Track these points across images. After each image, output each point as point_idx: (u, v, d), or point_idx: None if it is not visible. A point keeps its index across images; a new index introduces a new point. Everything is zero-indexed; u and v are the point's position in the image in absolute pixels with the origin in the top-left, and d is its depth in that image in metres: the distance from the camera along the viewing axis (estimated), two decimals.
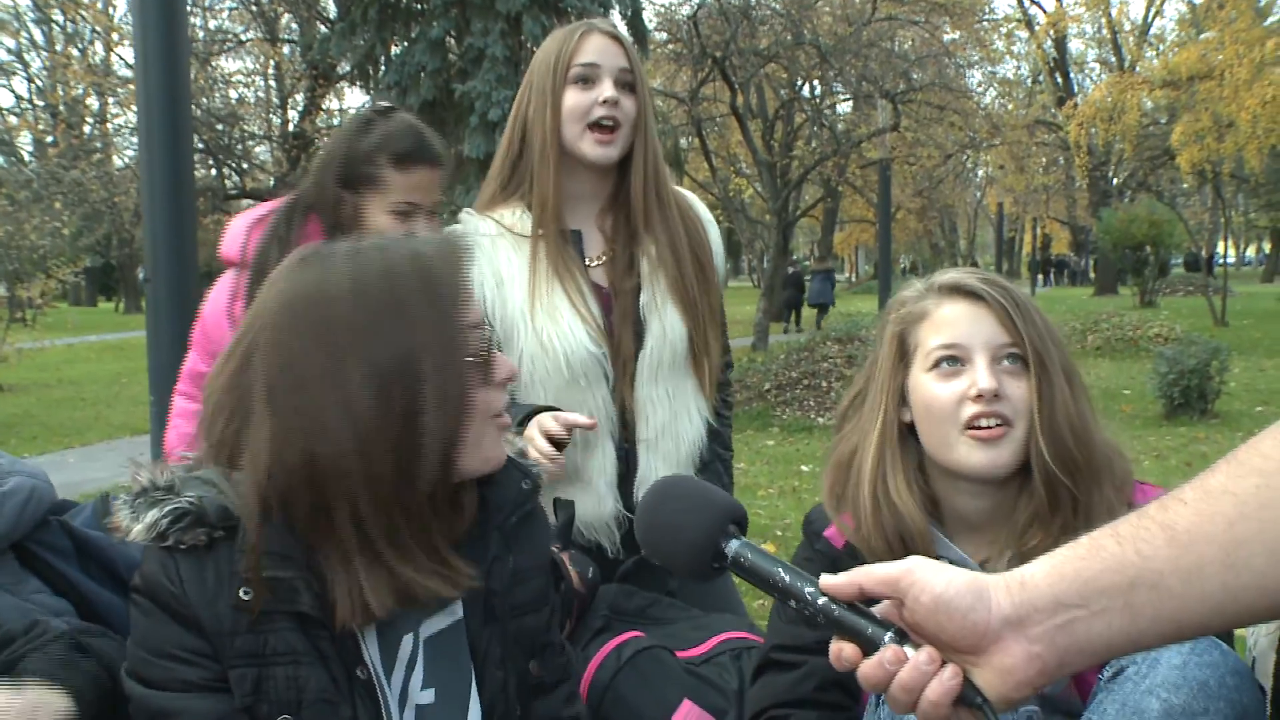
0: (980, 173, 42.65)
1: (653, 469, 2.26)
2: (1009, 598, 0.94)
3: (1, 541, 1.59)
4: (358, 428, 1.28)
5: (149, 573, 1.32)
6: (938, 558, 1.61)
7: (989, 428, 1.57)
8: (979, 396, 1.57)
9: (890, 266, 19.61)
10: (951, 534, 1.66)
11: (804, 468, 9.13)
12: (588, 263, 2.29)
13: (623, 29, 13.93)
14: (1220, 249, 38.99)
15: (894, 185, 24.46)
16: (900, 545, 1.61)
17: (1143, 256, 23.73)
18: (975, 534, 1.66)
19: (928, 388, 1.63)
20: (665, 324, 2.25)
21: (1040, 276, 47.58)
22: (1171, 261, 28.84)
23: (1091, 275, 41.92)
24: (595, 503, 2.22)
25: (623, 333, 2.24)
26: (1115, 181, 36.14)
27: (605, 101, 2.19)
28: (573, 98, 2.21)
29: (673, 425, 2.28)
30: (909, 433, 1.68)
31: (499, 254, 2.25)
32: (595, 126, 2.20)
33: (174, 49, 3.89)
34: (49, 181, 17.24)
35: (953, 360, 1.61)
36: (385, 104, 2.40)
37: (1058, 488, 1.57)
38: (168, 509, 1.31)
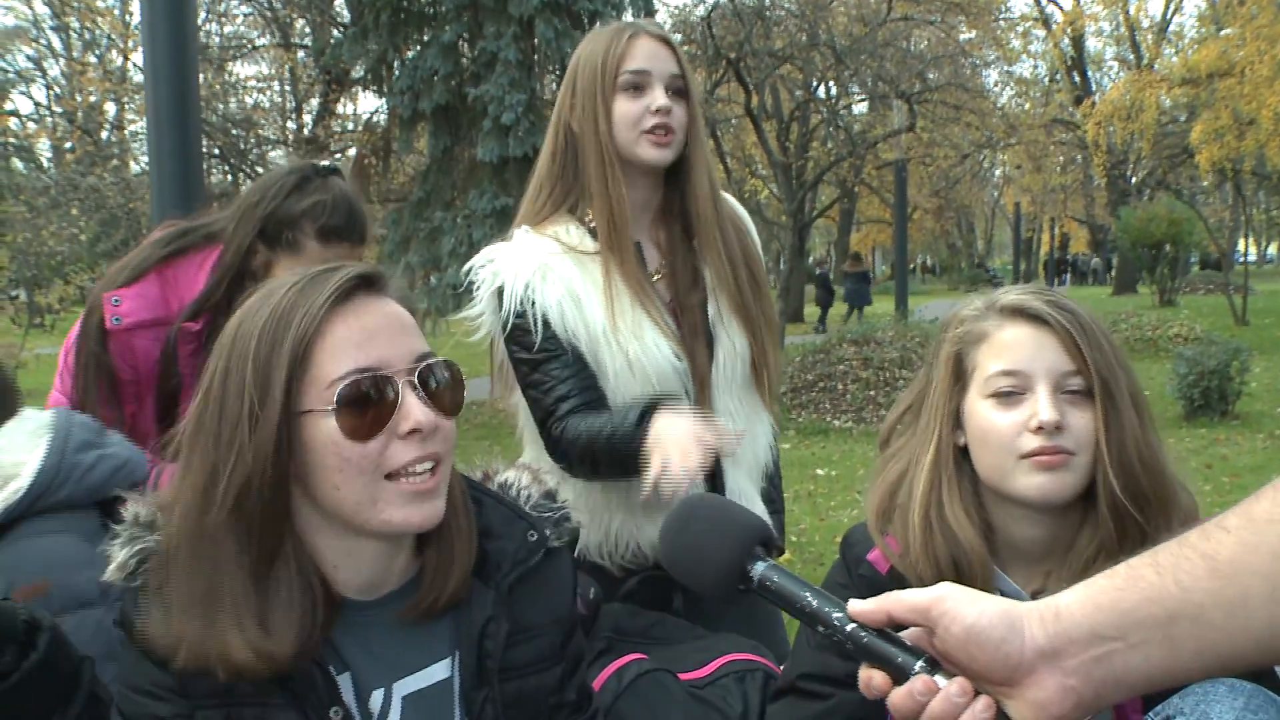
0: (997, 172, 42.51)
1: (738, 483, 2.21)
2: (1043, 629, 0.91)
3: (90, 495, 1.77)
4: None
5: (124, 610, 1.32)
6: (995, 589, 1.55)
7: (1050, 456, 1.50)
8: (1040, 429, 1.50)
9: (906, 267, 19.50)
10: (1004, 563, 1.59)
11: (820, 471, 9.08)
12: (651, 272, 2.21)
13: None
14: (1241, 246, 38.70)
15: (910, 186, 24.38)
16: (953, 572, 1.54)
17: (1162, 255, 23.57)
18: (1029, 565, 1.59)
19: (985, 415, 1.56)
20: (732, 338, 2.19)
21: (1058, 276, 47.43)
22: (1190, 260, 28.61)
23: (1109, 274, 41.62)
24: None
25: (695, 348, 2.17)
26: (1134, 180, 35.89)
27: (658, 110, 2.09)
28: (623, 105, 2.11)
29: (750, 437, 2.22)
30: (963, 456, 1.61)
31: (565, 270, 2.12)
32: (648, 131, 2.11)
33: (182, 56, 3.88)
34: (66, 188, 17.33)
35: (1012, 388, 1.54)
36: (326, 164, 2.37)
37: (1126, 521, 1.49)
38: (136, 549, 1.32)
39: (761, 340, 2.23)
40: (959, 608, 0.94)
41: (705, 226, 2.18)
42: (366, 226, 2.29)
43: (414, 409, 1.28)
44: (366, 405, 1.26)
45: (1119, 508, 1.49)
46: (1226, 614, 0.85)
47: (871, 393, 11.70)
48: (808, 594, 1.03)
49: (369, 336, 1.28)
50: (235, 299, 2.10)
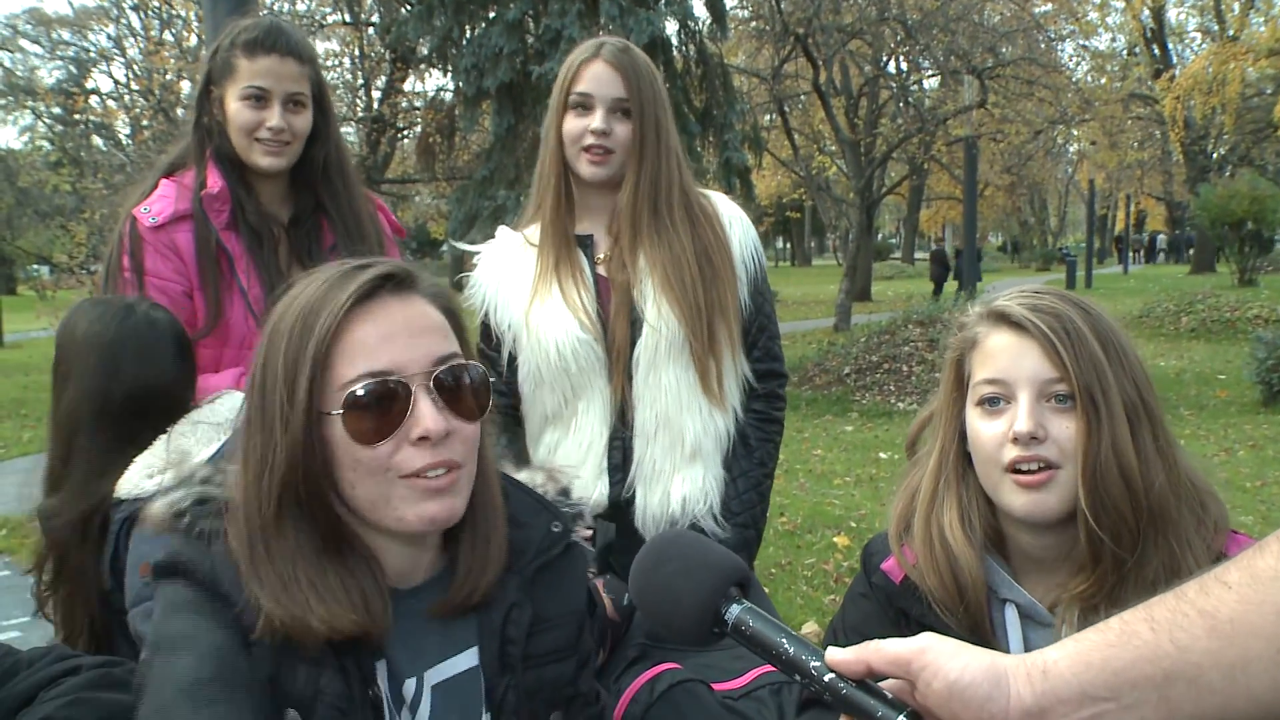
0: (1072, 148, 41.55)
1: (650, 461, 2.34)
2: (1030, 687, 0.86)
3: None
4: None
5: (178, 552, 1.30)
6: (1001, 600, 1.53)
7: (1031, 472, 1.46)
8: (1016, 439, 1.46)
9: (975, 245, 19.14)
10: (1019, 573, 1.55)
11: (882, 455, 8.98)
12: (597, 259, 2.41)
13: (700, 9, 13.51)
14: None
15: (982, 162, 23.95)
16: (954, 584, 1.52)
17: (1243, 233, 22.91)
18: (1044, 574, 1.54)
19: (975, 424, 1.53)
20: (660, 318, 2.31)
21: (1132, 254, 46.31)
22: (1273, 239, 27.73)
23: (1187, 252, 40.48)
24: (581, 489, 2.24)
25: (617, 322, 2.33)
26: (1214, 155, 34.87)
27: (594, 131, 2.32)
28: (570, 123, 2.35)
29: (676, 418, 2.32)
30: (968, 465, 1.57)
31: (515, 264, 2.43)
32: (586, 149, 2.34)
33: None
34: (141, 165, 17.68)
35: (996, 396, 1.50)
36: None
37: (1096, 540, 1.44)
38: (194, 490, 1.34)
39: (705, 325, 2.32)
40: (941, 661, 0.90)
41: (635, 227, 2.35)
42: (297, 42, 2.47)
43: (425, 415, 1.26)
44: (375, 410, 1.25)
45: (1089, 526, 1.44)
46: (1226, 677, 0.80)
47: (937, 374, 11.50)
48: (784, 640, 0.99)
49: (385, 339, 1.27)
50: (219, 147, 2.44)
